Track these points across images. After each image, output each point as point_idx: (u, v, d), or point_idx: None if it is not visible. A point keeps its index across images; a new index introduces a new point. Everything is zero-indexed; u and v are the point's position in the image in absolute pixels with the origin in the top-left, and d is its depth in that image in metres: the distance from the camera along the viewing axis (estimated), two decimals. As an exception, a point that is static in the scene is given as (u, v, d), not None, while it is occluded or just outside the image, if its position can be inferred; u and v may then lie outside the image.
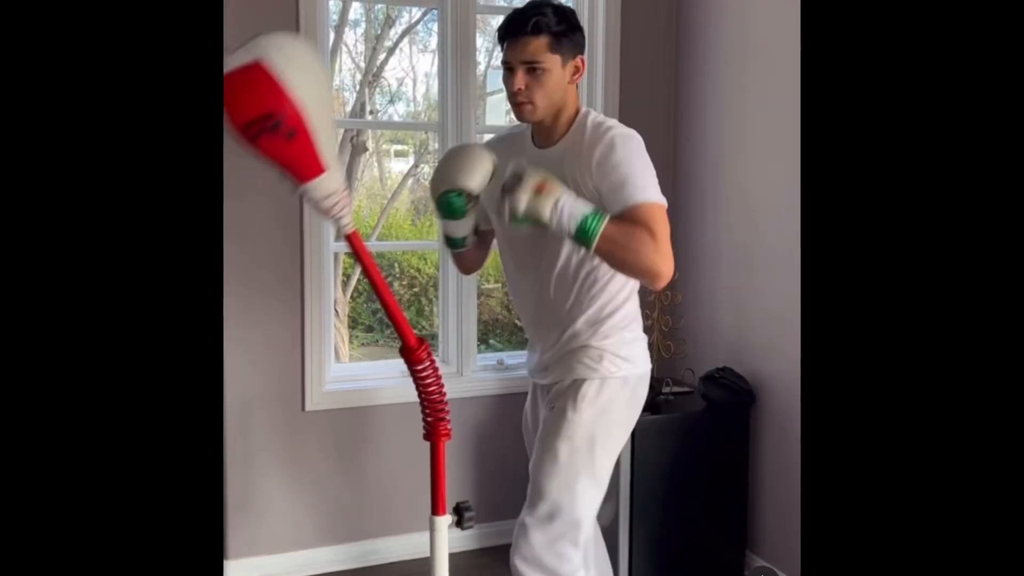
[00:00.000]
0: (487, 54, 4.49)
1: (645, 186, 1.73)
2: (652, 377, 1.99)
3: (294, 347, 2.71)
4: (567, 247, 1.83)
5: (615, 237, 1.64)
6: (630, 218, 1.69)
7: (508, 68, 1.81)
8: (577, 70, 1.84)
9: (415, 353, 1.64)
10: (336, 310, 2.92)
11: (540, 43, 1.78)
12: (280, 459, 2.73)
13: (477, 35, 2.85)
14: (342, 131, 5.00)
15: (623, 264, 1.69)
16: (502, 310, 5.03)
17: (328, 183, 1.49)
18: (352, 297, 5.21)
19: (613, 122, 1.84)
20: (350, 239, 1.60)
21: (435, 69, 3.05)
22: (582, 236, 1.63)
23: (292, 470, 2.75)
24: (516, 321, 4.80)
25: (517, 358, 3.07)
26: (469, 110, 2.83)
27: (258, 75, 1.38)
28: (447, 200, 1.78)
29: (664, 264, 1.67)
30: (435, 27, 3.20)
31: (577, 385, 1.86)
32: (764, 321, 2.64)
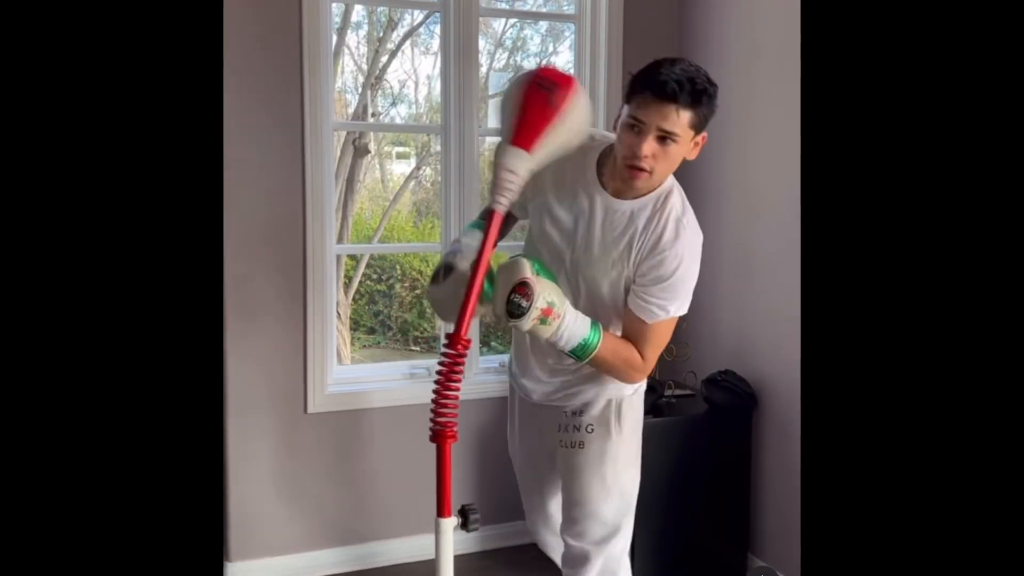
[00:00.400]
0: (489, 56, 4.49)
1: (674, 304, 1.75)
2: (655, 380, 2.01)
3: (296, 349, 2.71)
4: (609, 281, 1.78)
5: (605, 359, 1.72)
6: (635, 332, 1.76)
7: (638, 126, 1.65)
8: (697, 146, 1.72)
9: (461, 344, 1.62)
10: (338, 312, 2.91)
11: (687, 117, 1.63)
12: (282, 461, 2.73)
13: (479, 37, 2.85)
14: (345, 133, 5.00)
15: (609, 369, 1.78)
16: (504, 312, 5.03)
17: (521, 161, 1.62)
18: (354, 299, 5.21)
19: (690, 220, 1.76)
20: (491, 215, 1.65)
21: (437, 71, 3.05)
22: (574, 355, 1.70)
23: (294, 472, 2.75)
24: (518, 323, 4.80)
25: (519, 360, 3.07)
26: (471, 113, 2.83)
27: (567, 77, 1.66)
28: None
29: (640, 377, 1.81)
30: (437, 29, 3.20)
31: (611, 406, 1.90)
32: (766, 324, 2.64)
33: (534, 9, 4.08)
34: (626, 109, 1.69)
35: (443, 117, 2.90)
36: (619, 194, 1.76)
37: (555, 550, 2.16)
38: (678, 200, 1.77)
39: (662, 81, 1.61)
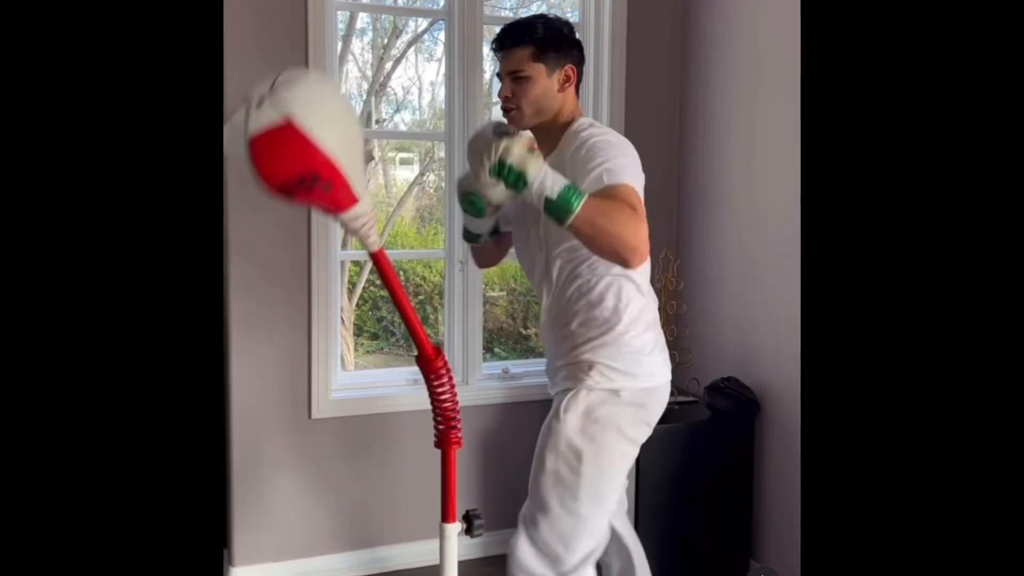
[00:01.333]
0: (492, 63, 4.50)
1: (622, 171, 1.71)
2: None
3: (301, 355, 2.71)
4: (562, 256, 1.84)
5: (596, 209, 1.58)
6: (609, 196, 1.66)
7: (500, 79, 1.91)
8: (568, 79, 1.90)
9: (433, 364, 1.65)
10: (342, 318, 2.92)
11: (524, 53, 1.86)
12: (287, 466, 2.74)
13: (483, 44, 2.86)
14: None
15: (601, 239, 1.60)
16: (507, 319, 5.04)
17: (358, 210, 1.53)
18: (357, 305, 5.21)
19: (602, 128, 1.87)
20: (376, 256, 1.62)
21: (441, 78, 3.07)
22: (563, 204, 1.56)
23: (299, 477, 2.75)
24: (521, 330, 4.81)
25: (522, 367, 3.07)
26: (475, 119, 2.84)
27: (290, 136, 1.36)
28: (471, 199, 1.79)
29: (643, 241, 1.61)
30: (441, 36, 3.22)
31: (562, 395, 1.86)
32: (769, 331, 2.65)
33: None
34: None
35: (447, 124, 2.91)
36: (543, 153, 1.80)
37: None
38: (581, 124, 1.88)
39: (496, 37, 1.91)
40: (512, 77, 1.87)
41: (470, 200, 1.79)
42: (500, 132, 1.64)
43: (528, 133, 1.69)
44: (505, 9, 3.33)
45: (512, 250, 2.12)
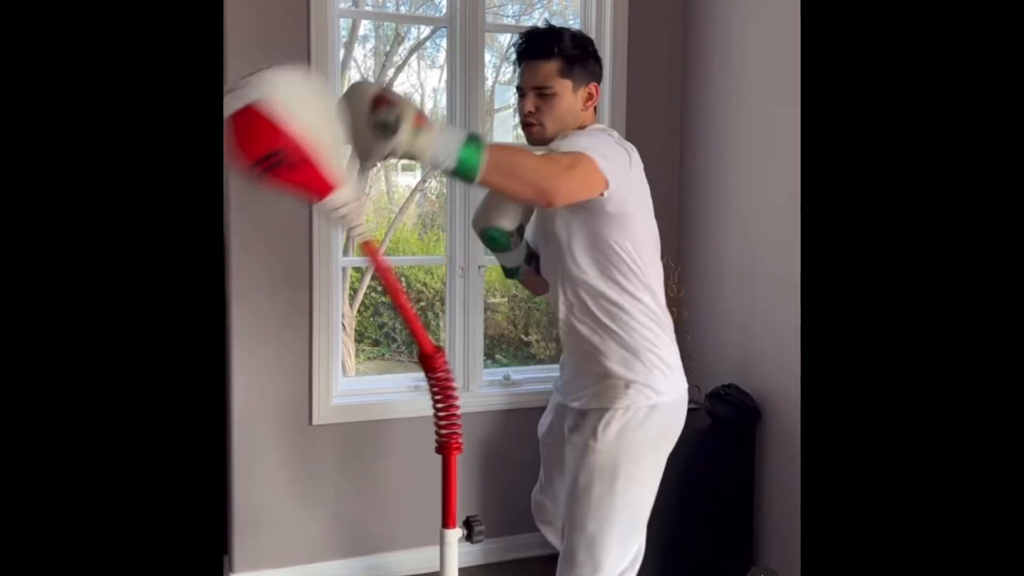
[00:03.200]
0: (494, 70, 4.52)
1: (576, 144, 1.66)
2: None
3: (302, 361, 2.71)
4: (589, 268, 1.79)
5: (500, 158, 1.50)
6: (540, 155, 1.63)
7: (520, 91, 1.82)
8: (591, 96, 1.84)
9: (432, 359, 1.65)
10: (343, 324, 2.92)
11: (551, 67, 1.78)
12: (287, 472, 2.74)
13: (485, 51, 2.87)
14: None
15: (514, 188, 1.56)
16: (508, 325, 5.04)
17: (338, 198, 1.50)
18: (359, 311, 5.21)
19: (587, 129, 1.83)
20: (364, 247, 1.59)
21: (443, 85, 3.07)
22: (468, 167, 1.46)
23: (299, 483, 2.75)
24: (522, 336, 4.80)
25: (524, 373, 3.08)
26: (477, 126, 2.85)
27: (253, 117, 1.38)
28: (489, 236, 1.80)
29: (556, 181, 1.55)
30: (443, 43, 3.23)
31: (599, 414, 1.83)
32: (770, 338, 2.65)
33: (539, 25, 4.11)
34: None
35: (449, 131, 2.92)
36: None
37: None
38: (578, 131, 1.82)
39: (522, 42, 1.82)
40: (537, 92, 1.80)
41: (490, 236, 1.79)
42: (383, 122, 1.40)
43: (410, 110, 1.41)
44: (507, 17, 3.34)
45: None
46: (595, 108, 1.89)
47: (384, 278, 1.63)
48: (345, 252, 2.82)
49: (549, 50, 1.78)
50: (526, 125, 1.83)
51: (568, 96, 1.80)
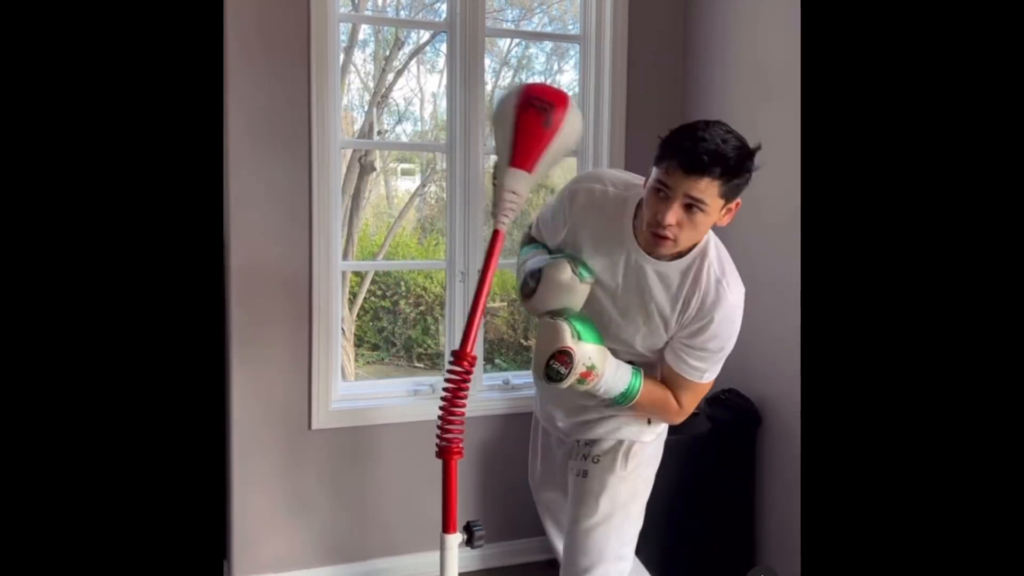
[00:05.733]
0: (494, 75, 4.52)
1: (712, 371, 1.80)
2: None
3: (301, 365, 2.71)
4: (641, 336, 1.78)
5: (643, 406, 1.79)
6: (673, 381, 1.79)
7: (664, 191, 1.57)
8: (730, 212, 1.65)
9: (467, 355, 1.66)
10: (343, 328, 2.92)
11: (715, 186, 1.55)
12: (286, 477, 2.73)
13: (485, 56, 2.88)
14: (351, 151, 5.02)
15: (645, 414, 1.86)
16: (508, 329, 5.03)
17: (522, 182, 1.68)
18: (358, 315, 5.21)
19: (731, 279, 1.74)
20: (495, 235, 1.71)
21: (442, 89, 3.08)
22: (614, 403, 1.77)
23: (298, 488, 2.75)
24: (522, 341, 4.80)
25: (523, 378, 3.07)
26: (477, 130, 2.85)
27: (561, 95, 1.70)
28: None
29: (676, 420, 1.85)
30: (443, 47, 3.23)
31: (626, 445, 1.90)
32: (770, 343, 2.65)
33: (539, 29, 4.11)
34: (655, 172, 1.60)
35: (448, 135, 2.92)
36: (650, 251, 1.68)
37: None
38: (714, 257, 1.71)
39: (692, 153, 1.52)
40: (687, 202, 1.56)
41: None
42: (551, 374, 1.69)
43: (583, 367, 1.67)
44: (507, 22, 3.35)
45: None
46: None
47: (486, 273, 1.70)
48: (344, 256, 2.81)
49: (719, 169, 1.53)
50: (659, 235, 1.60)
51: (715, 214, 1.60)
